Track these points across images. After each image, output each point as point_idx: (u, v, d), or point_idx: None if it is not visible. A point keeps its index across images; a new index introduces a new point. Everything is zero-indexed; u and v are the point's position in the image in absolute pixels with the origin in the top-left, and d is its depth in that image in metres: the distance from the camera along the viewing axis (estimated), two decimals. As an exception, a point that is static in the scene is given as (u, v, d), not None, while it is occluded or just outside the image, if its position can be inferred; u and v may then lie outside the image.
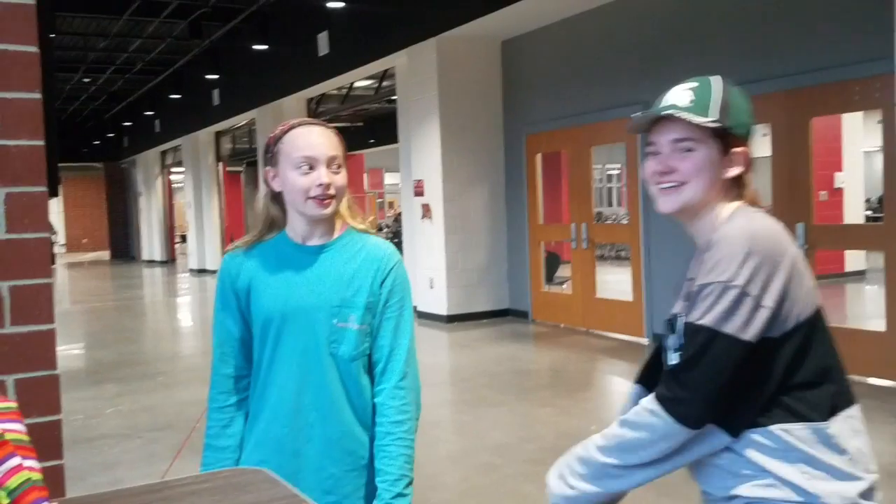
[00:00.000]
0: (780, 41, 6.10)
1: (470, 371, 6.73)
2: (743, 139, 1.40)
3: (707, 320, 1.30)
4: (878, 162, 6.11)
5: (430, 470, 4.33)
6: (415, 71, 9.33)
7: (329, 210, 1.64)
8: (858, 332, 6.15)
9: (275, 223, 1.72)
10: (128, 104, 21.81)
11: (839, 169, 11.17)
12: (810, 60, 5.88)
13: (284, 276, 1.68)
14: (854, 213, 11.31)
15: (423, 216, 9.33)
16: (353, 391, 1.67)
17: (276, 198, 1.71)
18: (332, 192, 1.63)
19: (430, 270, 9.27)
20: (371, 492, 1.67)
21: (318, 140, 1.64)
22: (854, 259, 11.48)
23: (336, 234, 1.71)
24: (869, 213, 14.13)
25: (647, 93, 6.94)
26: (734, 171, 1.40)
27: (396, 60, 9.95)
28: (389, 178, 29.16)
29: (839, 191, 11.13)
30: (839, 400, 1.38)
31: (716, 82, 1.41)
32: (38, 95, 1.50)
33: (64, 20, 13.04)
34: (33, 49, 1.50)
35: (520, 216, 9.18)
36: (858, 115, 10.69)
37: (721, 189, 1.41)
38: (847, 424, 1.38)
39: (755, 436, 1.33)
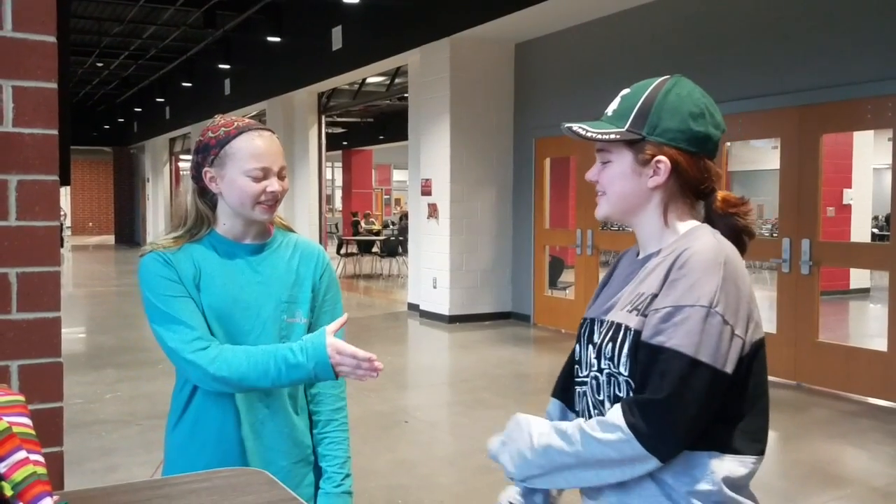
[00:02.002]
0: (794, 57, 6.09)
1: (469, 373, 6.73)
2: (674, 145, 1.29)
3: (687, 348, 1.19)
4: (888, 179, 6.10)
5: (426, 470, 4.33)
6: (427, 70, 9.34)
7: (273, 214, 1.70)
8: (860, 350, 6.14)
9: (203, 221, 1.69)
10: (139, 90, 21.86)
11: (848, 185, 11.15)
12: (823, 77, 5.87)
13: (230, 273, 1.67)
14: (861, 230, 11.28)
15: (430, 216, 9.34)
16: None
17: (203, 194, 1.69)
18: (279, 197, 1.67)
19: (433, 270, 9.27)
20: (315, 477, 1.75)
21: (272, 149, 1.66)
22: (859, 276, 11.46)
23: (270, 234, 1.75)
24: (875, 230, 14.10)
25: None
26: (655, 181, 1.30)
27: (409, 58, 9.96)
28: (397, 175, 29.19)
29: (847, 207, 11.11)
30: (765, 438, 1.30)
31: (651, 86, 1.33)
32: (54, 85, 1.51)
33: (79, 4, 13.08)
34: (51, 39, 1.50)
35: (526, 220, 9.17)
36: (869, 131, 10.66)
37: (660, 199, 1.32)
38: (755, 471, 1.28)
39: (680, 463, 1.23)
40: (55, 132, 1.52)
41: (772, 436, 5.07)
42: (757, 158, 18.03)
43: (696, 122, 1.29)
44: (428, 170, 9.39)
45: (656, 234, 1.34)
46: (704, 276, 1.21)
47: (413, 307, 9.95)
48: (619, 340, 1.28)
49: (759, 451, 1.28)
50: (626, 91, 1.36)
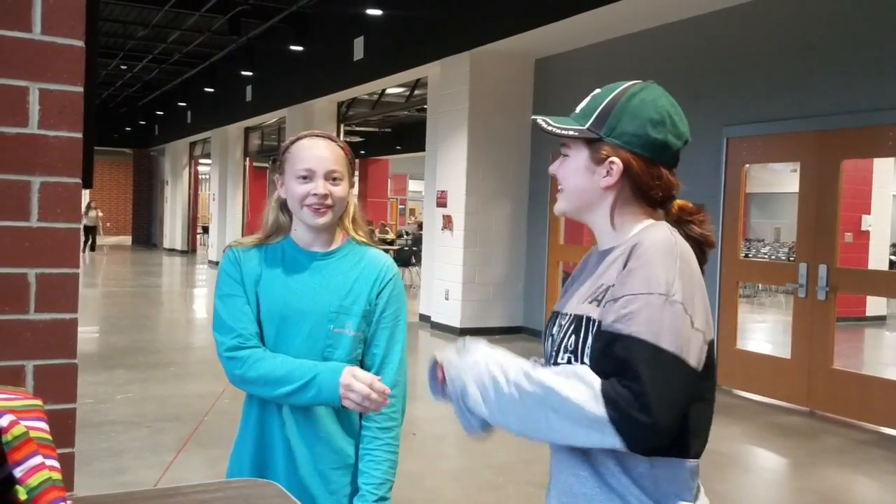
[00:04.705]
0: (817, 81, 6.06)
1: (479, 386, 6.70)
2: (629, 149, 1.29)
3: (647, 335, 1.14)
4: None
5: (432, 484, 4.32)
6: (447, 82, 9.37)
7: (325, 220, 1.70)
8: (875, 379, 6.07)
9: (280, 228, 1.77)
10: (161, 94, 22.08)
11: (867, 211, 11.07)
12: (845, 103, 5.84)
13: (287, 278, 1.73)
14: (879, 257, 11.18)
15: (444, 227, 9.35)
16: None
17: (285, 204, 1.77)
18: (328, 202, 1.69)
19: (446, 282, 9.27)
20: (354, 490, 1.74)
21: (320, 153, 1.70)
22: (876, 303, 11.35)
23: (337, 244, 1.77)
24: (893, 258, 13.95)
25: (677, 122, 6.90)
26: (606, 181, 1.30)
27: (429, 70, 10.00)
28: (413, 185, 29.24)
29: (865, 233, 11.02)
30: (705, 440, 1.27)
31: (619, 88, 1.36)
32: (80, 89, 1.53)
33: (105, 7, 13.24)
34: (79, 43, 1.52)
35: (541, 235, 9.16)
36: (889, 158, 10.59)
37: (612, 200, 1.31)
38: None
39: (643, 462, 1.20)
40: (79, 135, 1.54)
41: (782, 462, 5.03)
42: (775, 181, 17.92)
43: (655, 128, 1.30)
44: (444, 181, 9.41)
45: (611, 232, 1.33)
46: (660, 265, 1.18)
47: (424, 318, 9.95)
48: (582, 332, 1.25)
49: (696, 454, 1.25)
50: (597, 91, 1.39)
